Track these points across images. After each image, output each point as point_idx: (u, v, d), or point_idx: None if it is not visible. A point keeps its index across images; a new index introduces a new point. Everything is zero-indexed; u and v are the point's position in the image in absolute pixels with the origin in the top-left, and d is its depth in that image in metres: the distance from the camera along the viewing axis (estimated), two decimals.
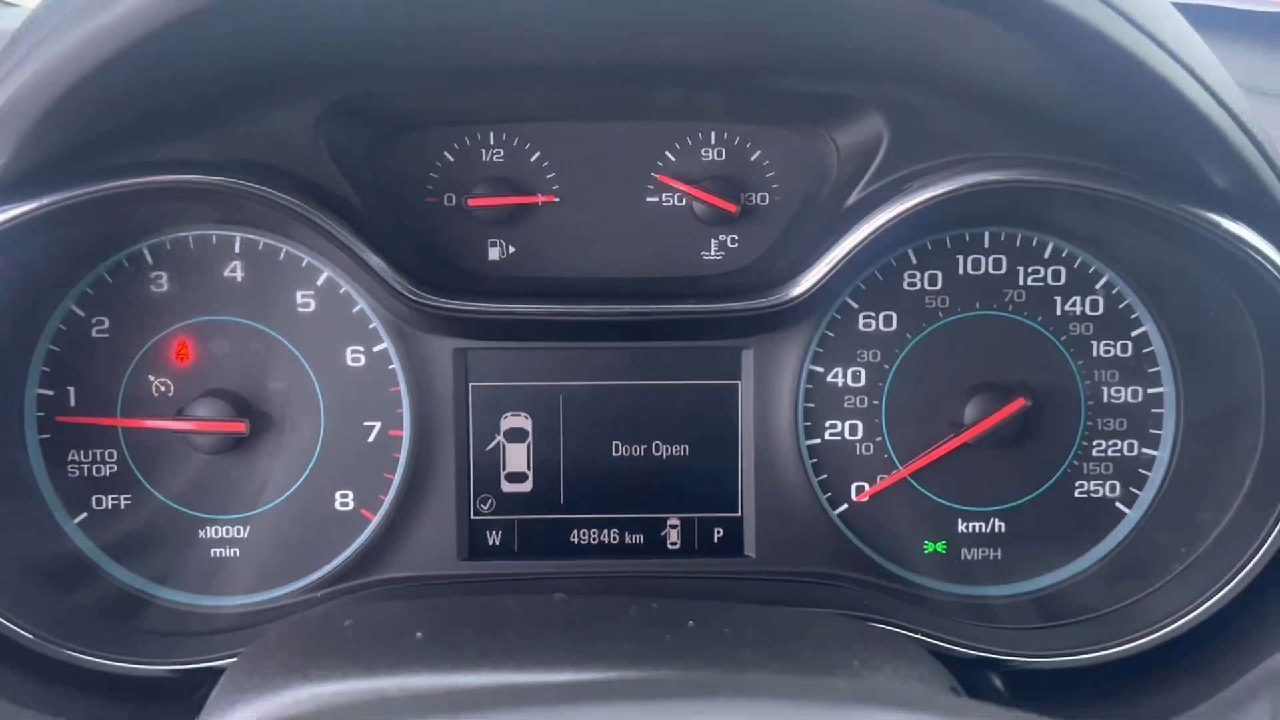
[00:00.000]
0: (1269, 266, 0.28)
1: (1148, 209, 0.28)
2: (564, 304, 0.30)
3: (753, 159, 0.32)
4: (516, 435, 0.32)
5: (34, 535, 0.30)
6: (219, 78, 0.30)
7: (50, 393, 0.30)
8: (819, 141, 0.31)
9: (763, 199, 0.32)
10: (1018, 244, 0.33)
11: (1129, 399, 0.34)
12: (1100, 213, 0.31)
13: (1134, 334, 0.34)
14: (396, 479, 0.30)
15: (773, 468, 0.32)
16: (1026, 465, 0.33)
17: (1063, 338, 0.34)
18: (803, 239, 0.30)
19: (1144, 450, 0.35)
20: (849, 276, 0.30)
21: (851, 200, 0.30)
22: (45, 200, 0.28)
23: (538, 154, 0.32)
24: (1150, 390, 0.34)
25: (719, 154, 0.32)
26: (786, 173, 0.32)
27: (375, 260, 0.28)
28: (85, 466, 0.29)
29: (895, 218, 0.28)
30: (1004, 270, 0.33)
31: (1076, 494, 0.33)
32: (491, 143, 0.32)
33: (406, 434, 0.30)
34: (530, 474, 0.32)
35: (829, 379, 0.32)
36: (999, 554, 0.32)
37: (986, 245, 0.32)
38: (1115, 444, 0.34)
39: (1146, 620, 0.28)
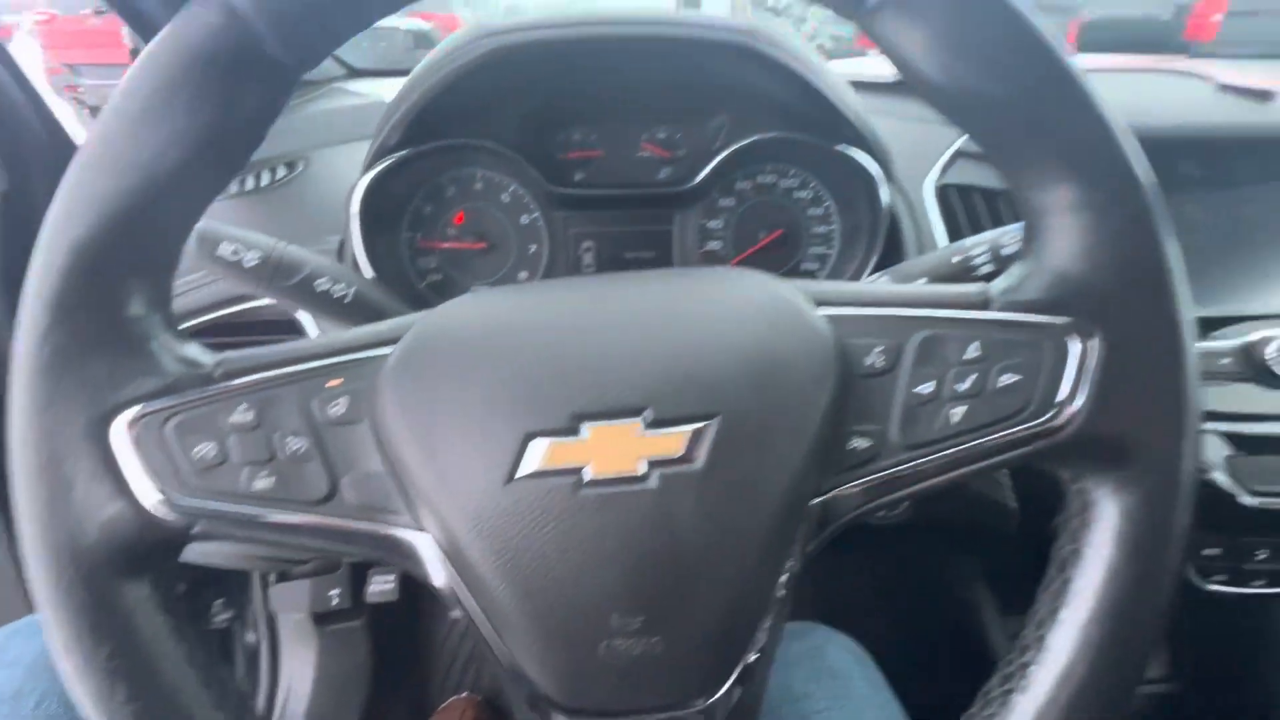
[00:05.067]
0: (865, 169, 0.60)
1: (824, 147, 0.61)
2: (601, 190, 0.65)
3: (679, 135, 0.68)
4: (589, 250, 0.69)
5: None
6: (483, 97, 0.58)
7: (412, 234, 0.68)
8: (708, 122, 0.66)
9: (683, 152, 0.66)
10: (778, 170, 0.65)
11: (821, 229, 0.66)
12: (804, 150, 0.62)
13: (824, 204, 0.66)
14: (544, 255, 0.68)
15: (684, 250, 0.66)
16: (781, 253, 0.65)
17: (799, 207, 0.66)
18: (696, 166, 0.64)
19: (826, 250, 0.66)
20: (712, 181, 0.63)
21: (716, 146, 0.65)
22: (407, 152, 0.57)
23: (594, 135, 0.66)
24: (829, 226, 0.66)
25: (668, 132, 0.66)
26: (688, 139, 0.65)
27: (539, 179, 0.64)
28: (425, 260, 0.65)
29: (724, 156, 0.61)
30: (775, 181, 0.65)
31: (803, 267, 0.67)
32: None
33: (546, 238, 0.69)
34: (594, 266, 0.71)
35: (709, 224, 0.67)
36: None
37: (764, 170, 0.65)
38: (815, 248, 0.66)
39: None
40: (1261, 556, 0.54)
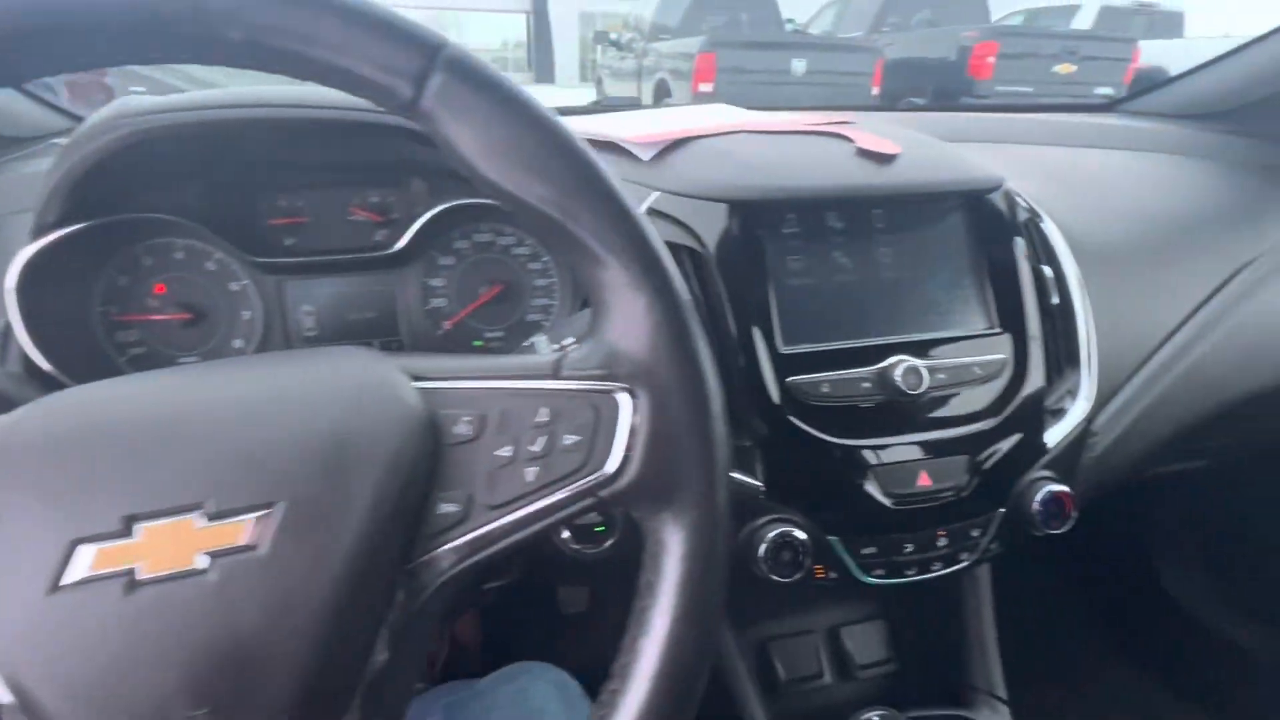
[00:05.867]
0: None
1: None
2: (312, 256, 0.66)
3: (391, 199, 0.70)
4: (309, 313, 0.70)
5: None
6: (155, 169, 0.58)
7: (106, 308, 0.64)
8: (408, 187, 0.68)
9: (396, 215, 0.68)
10: (495, 229, 0.69)
11: (542, 283, 0.70)
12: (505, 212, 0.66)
13: (543, 259, 0.71)
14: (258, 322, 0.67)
15: (408, 308, 0.68)
16: (504, 307, 0.70)
17: (519, 263, 0.70)
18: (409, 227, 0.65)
19: (549, 302, 0.71)
20: (426, 241, 0.66)
21: (418, 211, 0.67)
22: (71, 229, 0.54)
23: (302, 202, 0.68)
24: (550, 280, 0.71)
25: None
26: (400, 203, 0.68)
27: (236, 250, 0.65)
28: (124, 334, 0.62)
29: (425, 220, 0.64)
30: (492, 239, 0.70)
31: (527, 319, 0.73)
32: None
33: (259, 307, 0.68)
34: (316, 329, 0.71)
35: (431, 282, 0.71)
36: (500, 337, 0.70)
37: (480, 229, 0.69)
38: (538, 300, 0.70)
39: None
40: (909, 550, 0.63)
